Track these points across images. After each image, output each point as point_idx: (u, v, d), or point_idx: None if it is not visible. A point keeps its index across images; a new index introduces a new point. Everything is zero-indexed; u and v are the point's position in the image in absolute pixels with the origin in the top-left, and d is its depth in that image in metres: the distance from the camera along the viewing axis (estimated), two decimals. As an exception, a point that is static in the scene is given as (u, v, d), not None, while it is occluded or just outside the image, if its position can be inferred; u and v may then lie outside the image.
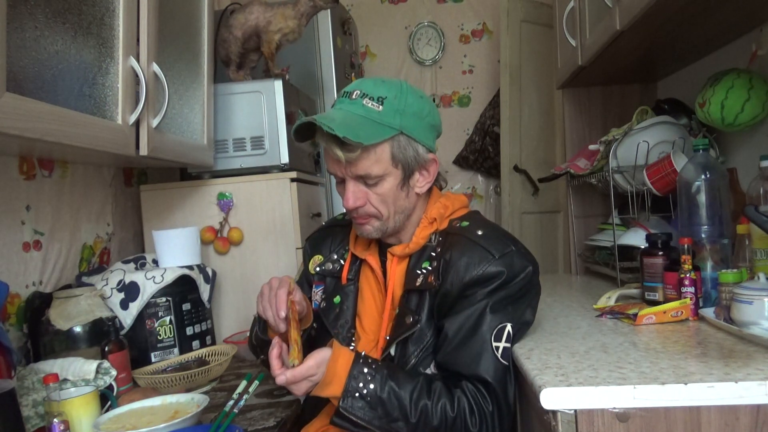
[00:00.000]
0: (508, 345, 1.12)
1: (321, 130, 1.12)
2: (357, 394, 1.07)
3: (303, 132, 1.16)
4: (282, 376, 1.06)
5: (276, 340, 1.12)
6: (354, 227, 1.27)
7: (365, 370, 1.09)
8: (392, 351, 1.19)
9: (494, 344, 1.11)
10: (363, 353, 1.13)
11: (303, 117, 1.12)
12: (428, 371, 1.17)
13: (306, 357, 1.08)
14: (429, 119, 1.19)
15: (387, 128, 1.14)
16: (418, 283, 1.18)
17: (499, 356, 1.11)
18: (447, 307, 1.16)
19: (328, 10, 2.50)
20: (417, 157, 1.18)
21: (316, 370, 1.08)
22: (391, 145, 1.15)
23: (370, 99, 1.14)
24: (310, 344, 1.33)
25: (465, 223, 1.22)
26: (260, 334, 1.31)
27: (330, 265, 1.33)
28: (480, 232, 1.18)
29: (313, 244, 1.41)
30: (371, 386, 1.07)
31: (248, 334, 1.45)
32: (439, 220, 1.23)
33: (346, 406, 1.07)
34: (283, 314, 1.14)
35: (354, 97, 1.16)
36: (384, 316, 1.23)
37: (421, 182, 1.22)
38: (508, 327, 1.12)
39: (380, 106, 1.14)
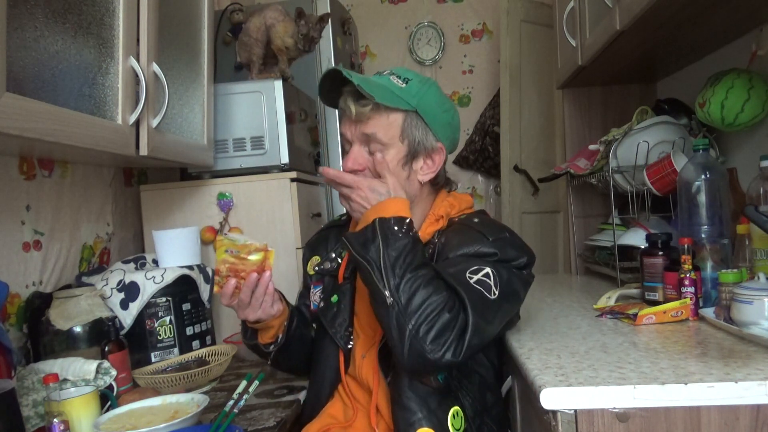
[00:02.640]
0: (486, 279, 1.09)
1: (344, 91, 1.17)
2: (396, 228, 1.08)
3: (327, 94, 1.22)
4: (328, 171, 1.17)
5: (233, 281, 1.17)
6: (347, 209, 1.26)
7: (408, 222, 1.11)
8: None
9: (468, 275, 1.09)
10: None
11: (335, 66, 1.16)
12: None
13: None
14: (447, 116, 1.23)
15: (403, 101, 1.18)
16: None
17: (471, 282, 1.08)
18: None
19: (328, 10, 2.51)
20: (425, 141, 1.20)
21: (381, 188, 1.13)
22: (403, 118, 1.19)
23: (396, 77, 1.20)
24: (308, 342, 1.34)
25: (463, 216, 1.24)
26: (246, 341, 1.33)
27: (327, 264, 1.34)
28: (476, 220, 1.21)
29: (311, 247, 1.42)
30: (412, 233, 1.10)
31: None
32: (445, 217, 1.24)
33: (384, 225, 1.08)
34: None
35: (384, 74, 1.22)
36: None
37: (424, 170, 1.22)
38: (487, 269, 1.10)
39: (404, 84, 1.19)
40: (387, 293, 1.06)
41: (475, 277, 1.09)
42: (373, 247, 1.08)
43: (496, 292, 1.09)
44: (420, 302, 1.04)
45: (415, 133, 1.19)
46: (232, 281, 1.18)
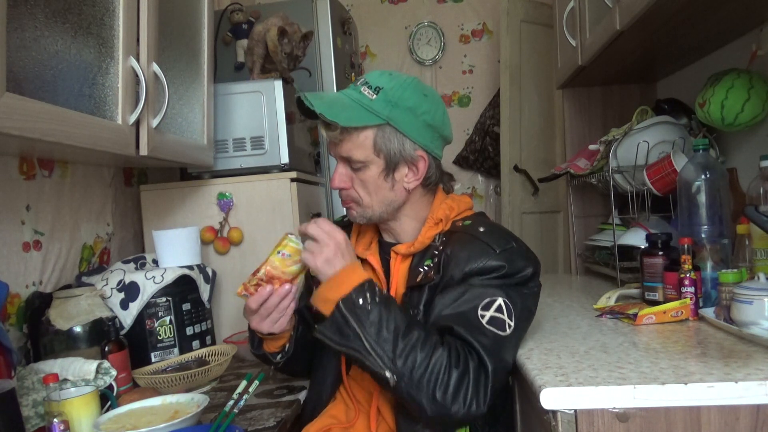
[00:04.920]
0: (499, 315, 1.08)
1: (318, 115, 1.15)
2: (360, 301, 1.07)
3: (306, 109, 1.18)
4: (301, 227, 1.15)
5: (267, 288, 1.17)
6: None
7: (376, 289, 1.10)
8: None
9: (480, 312, 1.08)
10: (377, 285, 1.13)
11: (299, 92, 1.15)
12: None
13: None
14: (425, 117, 1.19)
15: (373, 116, 1.15)
16: (418, 279, 1.18)
17: (484, 323, 1.07)
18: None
19: (328, 10, 2.51)
20: (402, 152, 1.18)
21: (344, 243, 1.13)
22: (375, 134, 1.17)
23: (368, 87, 1.17)
24: (311, 345, 1.33)
25: (468, 222, 1.22)
26: (254, 350, 1.34)
27: None
28: (482, 229, 1.18)
29: None
30: (377, 299, 1.08)
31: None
32: (444, 221, 1.23)
33: (347, 303, 1.07)
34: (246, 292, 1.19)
35: (358, 84, 1.20)
36: None
37: (409, 178, 1.21)
38: (500, 300, 1.09)
39: (374, 95, 1.16)
40: (387, 373, 1.04)
41: (488, 315, 1.08)
42: (350, 331, 1.06)
43: (511, 325, 1.09)
44: (424, 367, 1.03)
45: (390, 146, 1.17)
46: (268, 287, 1.17)
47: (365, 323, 1.06)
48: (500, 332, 1.07)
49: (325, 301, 1.11)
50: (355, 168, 1.19)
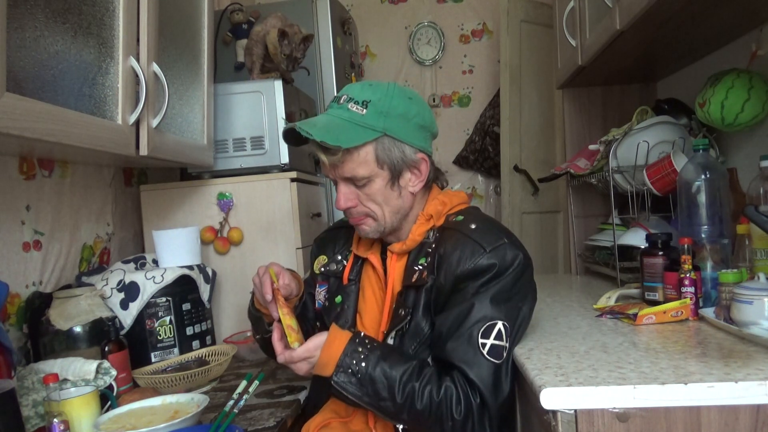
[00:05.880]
0: (499, 342, 1.10)
1: (311, 140, 1.14)
2: (349, 371, 1.11)
3: (295, 137, 1.18)
4: (281, 356, 1.16)
5: (275, 325, 1.21)
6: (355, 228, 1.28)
7: (359, 349, 1.13)
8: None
9: (481, 341, 1.10)
10: (362, 334, 1.16)
11: (287, 123, 1.15)
12: None
13: (308, 340, 1.15)
14: (417, 120, 1.20)
15: (369, 131, 1.16)
16: (413, 280, 1.19)
17: (484, 353, 1.09)
18: (441, 301, 1.17)
19: (328, 10, 2.52)
20: (404, 158, 1.19)
21: (314, 352, 1.14)
22: (375, 147, 1.17)
23: (355, 103, 1.17)
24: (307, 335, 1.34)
25: (460, 218, 1.23)
26: (251, 309, 1.39)
27: (333, 266, 1.35)
28: (473, 226, 1.19)
29: (319, 244, 1.43)
30: (363, 364, 1.11)
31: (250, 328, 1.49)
32: (436, 216, 1.24)
33: (338, 381, 1.12)
34: (269, 297, 1.22)
35: (341, 101, 1.19)
36: (384, 312, 1.24)
37: (413, 181, 1.23)
38: (499, 324, 1.11)
39: (364, 110, 1.16)
40: (398, 425, 1.17)
41: (488, 344, 1.10)
42: (353, 397, 1.12)
43: (507, 347, 1.11)
44: (427, 415, 1.10)
45: (391, 156, 1.18)
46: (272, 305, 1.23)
47: (358, 389, 1.12)
48: (497, 361, 1.10)
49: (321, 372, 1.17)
50: (359, 185, 1.20)
